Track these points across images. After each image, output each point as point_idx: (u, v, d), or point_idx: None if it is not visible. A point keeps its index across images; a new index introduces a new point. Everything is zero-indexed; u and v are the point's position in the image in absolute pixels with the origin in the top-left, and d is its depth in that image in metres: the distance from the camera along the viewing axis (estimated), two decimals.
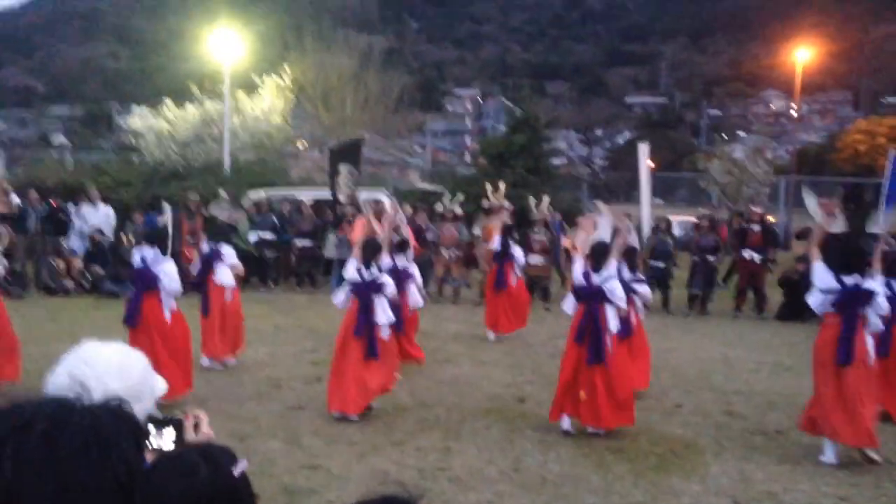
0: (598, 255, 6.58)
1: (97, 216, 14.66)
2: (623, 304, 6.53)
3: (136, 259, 7.38)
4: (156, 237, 7.45)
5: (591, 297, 6.44)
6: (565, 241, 13.31)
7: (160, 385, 1.85)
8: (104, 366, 1.69)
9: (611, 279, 6.47)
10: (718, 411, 7.28)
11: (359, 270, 6.91)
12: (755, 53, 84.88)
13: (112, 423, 1.34)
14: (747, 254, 12.55)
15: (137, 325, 7.01)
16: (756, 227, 12.74)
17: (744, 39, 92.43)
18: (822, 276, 6.05)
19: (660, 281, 12.51)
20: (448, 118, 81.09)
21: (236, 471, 1.42)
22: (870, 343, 5.95)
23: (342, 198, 14.35)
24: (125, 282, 12.85)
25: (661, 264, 12.48)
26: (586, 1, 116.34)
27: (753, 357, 9.64)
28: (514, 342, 10.27)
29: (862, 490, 5.43)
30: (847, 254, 6.19)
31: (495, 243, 10.67)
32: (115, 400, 1.41)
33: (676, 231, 18.85)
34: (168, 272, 7.09)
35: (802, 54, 27.64)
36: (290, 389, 7.63)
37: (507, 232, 10.73)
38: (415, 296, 8.58)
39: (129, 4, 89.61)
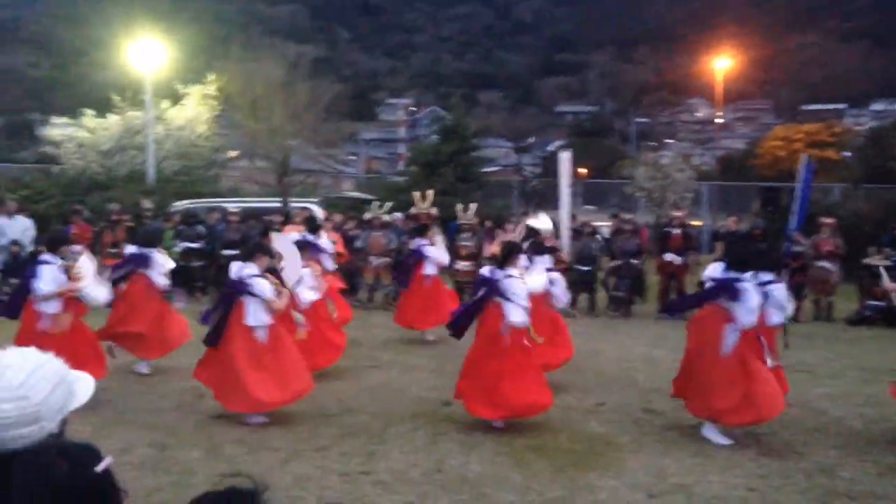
0: (505, 254, 6.81)
1: (15, 228, 14.19)
2: (522, 301, 6.60)
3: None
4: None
5: (486, 287, 6.64)
6: (492, 248, 13.47)
7: (81, 395, 1.78)
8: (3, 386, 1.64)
9: (510, 277, 6.63)
10: (638, 409, 7.46)
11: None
12: (679, 63, 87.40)
13: None
14: (668, 256, 12.91)
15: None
16: (676, 231, 13.11)
17: (668, 49, 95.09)
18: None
19: (585, 284, 12.76)
20: (382, 127, 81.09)
21: (99, 468, 1.42)
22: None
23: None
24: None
25: (585, 268, 12.72)
26: (516, 11, 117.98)
27: (674, 356, 9.85)
28: (443, 347, 10.32)
29: (770, 481, 5.64)
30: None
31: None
32: None
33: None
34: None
35: (723, 63, 28.61)
36: (212, 399, 7.49)
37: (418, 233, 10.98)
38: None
39: (49, 13, 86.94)
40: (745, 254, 6.70)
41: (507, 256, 6.79)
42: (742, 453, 6.14)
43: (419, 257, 10.57)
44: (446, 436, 6.52)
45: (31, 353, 1.73)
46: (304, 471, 5.65)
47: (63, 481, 1.35)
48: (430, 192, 13.76)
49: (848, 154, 31.23)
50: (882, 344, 11.02)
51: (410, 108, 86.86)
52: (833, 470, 5.83)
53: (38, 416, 1.63)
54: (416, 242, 10.86)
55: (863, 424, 7.03)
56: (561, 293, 8.15)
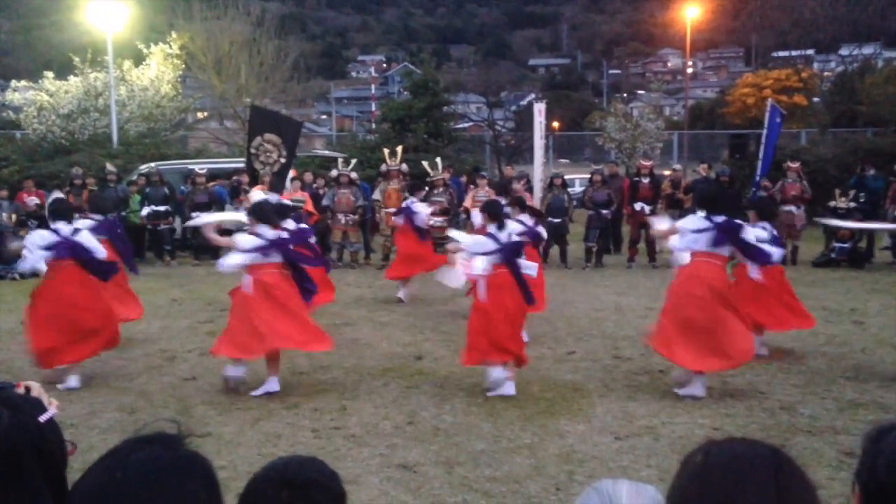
0: (495, 214, 6.67)
1: None
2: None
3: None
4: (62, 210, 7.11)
5: (510, 252, 6.46)
6: (466, 202, 13.44)
7: None
8: None
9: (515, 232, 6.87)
10: (607, 356, 7.57)
11: None
12: (651, 12, 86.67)
13: None
14: (638, 206, 12.97)
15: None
16: (646, 181, 13.16)
17: None
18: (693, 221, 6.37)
19: (556, 236, 12.81)
20: (353, 85, 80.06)
21: (42, 418, 1.42)
22: None
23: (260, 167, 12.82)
24: (9, 262, 12.34)
25: (556, 220, 12.75)
26: None
27: (643, 303, 10.01)
28: (415, 304, 10.36)
29: (735, 419, 5.77)
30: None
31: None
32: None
33: (577, 188, 19.34)
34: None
35: (692, 11, 28.44)
36: (183, 361, 7.50)
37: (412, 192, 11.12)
38: None
39: None
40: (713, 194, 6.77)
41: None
42: (707, 394, 6.26)
43: (408, 214, 10.61)
44: (418, 389, 6.57)
45: None
46: (275, 429, 5.68)
47: (4, 431, 1.35)
48: (400, 149, 13.67)
49: (816, 99, 31.40)
50: (846, 284, 11.22)
51: (382, 64, 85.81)
52: (795, 407, 5.97)
53: None
54: (408, 200, 10.95)
55: (825, 363, 7.19)
56: None
